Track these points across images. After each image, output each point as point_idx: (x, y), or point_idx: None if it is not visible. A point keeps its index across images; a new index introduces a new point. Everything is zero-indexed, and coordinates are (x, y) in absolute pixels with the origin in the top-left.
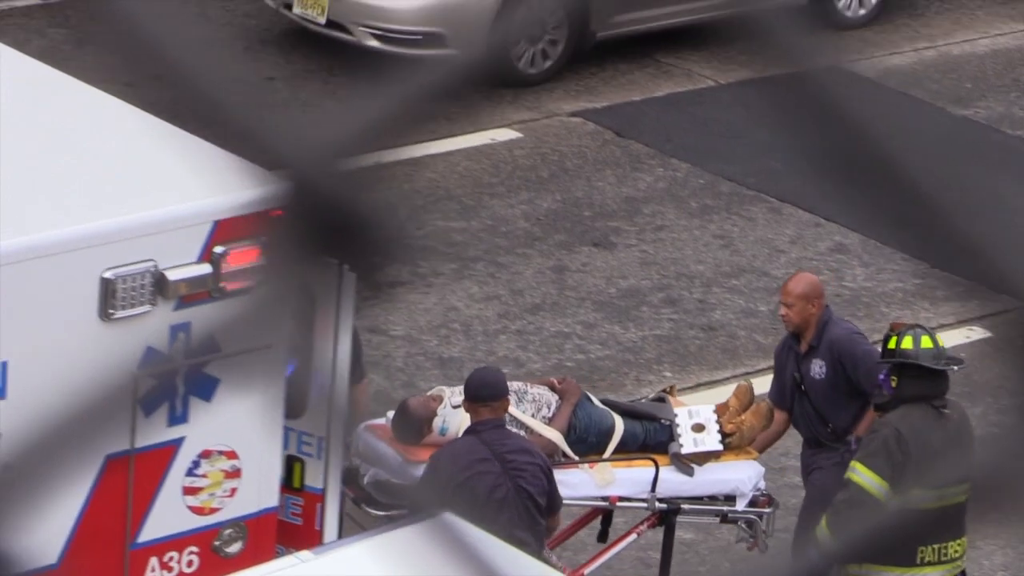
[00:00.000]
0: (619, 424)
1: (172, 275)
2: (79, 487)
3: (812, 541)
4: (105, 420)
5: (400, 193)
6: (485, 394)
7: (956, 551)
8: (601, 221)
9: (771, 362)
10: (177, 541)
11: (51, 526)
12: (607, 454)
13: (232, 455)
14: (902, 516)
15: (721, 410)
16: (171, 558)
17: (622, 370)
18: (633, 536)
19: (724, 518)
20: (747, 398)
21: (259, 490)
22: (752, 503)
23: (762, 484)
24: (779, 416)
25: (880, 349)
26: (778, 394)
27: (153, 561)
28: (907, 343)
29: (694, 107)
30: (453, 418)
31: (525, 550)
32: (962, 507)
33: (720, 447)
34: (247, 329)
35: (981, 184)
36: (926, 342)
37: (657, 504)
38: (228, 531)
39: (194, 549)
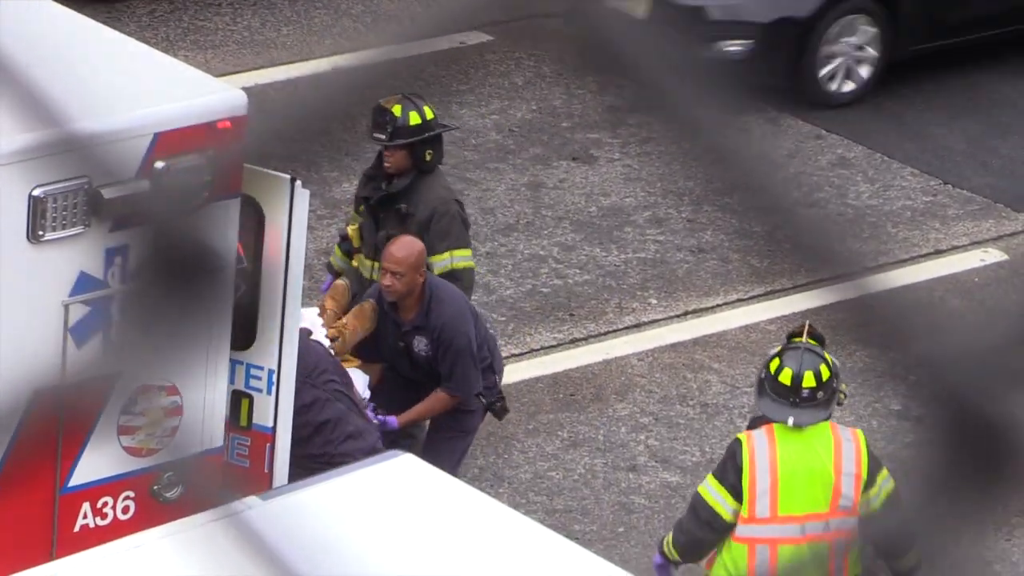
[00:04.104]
0: None
1: (108, 193)
2: (3, 425)
3: None
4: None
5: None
6: None
7: None
8: (581, 133)
9: (767, 287)
10: (111, 485)
11: None
12: None
13: (173, 391)
14: None
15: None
16: (105, 504)
17: (603, 296)
18: None
19: None
20: (345, 299)
21: (202, 429)
22: None
23: (367, 393)
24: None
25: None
26: (372, 350)
27: (85, 507)
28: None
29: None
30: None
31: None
32: None
33: None
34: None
35: None
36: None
37: None
38: (167, 474)
39: (130, 494)
